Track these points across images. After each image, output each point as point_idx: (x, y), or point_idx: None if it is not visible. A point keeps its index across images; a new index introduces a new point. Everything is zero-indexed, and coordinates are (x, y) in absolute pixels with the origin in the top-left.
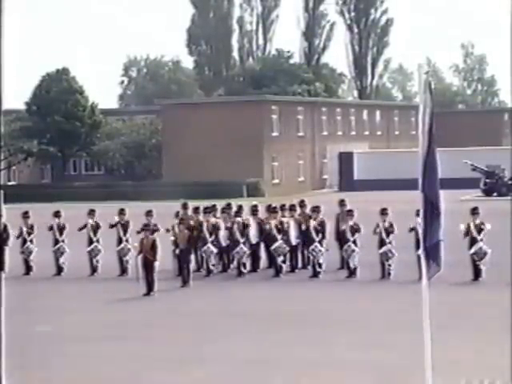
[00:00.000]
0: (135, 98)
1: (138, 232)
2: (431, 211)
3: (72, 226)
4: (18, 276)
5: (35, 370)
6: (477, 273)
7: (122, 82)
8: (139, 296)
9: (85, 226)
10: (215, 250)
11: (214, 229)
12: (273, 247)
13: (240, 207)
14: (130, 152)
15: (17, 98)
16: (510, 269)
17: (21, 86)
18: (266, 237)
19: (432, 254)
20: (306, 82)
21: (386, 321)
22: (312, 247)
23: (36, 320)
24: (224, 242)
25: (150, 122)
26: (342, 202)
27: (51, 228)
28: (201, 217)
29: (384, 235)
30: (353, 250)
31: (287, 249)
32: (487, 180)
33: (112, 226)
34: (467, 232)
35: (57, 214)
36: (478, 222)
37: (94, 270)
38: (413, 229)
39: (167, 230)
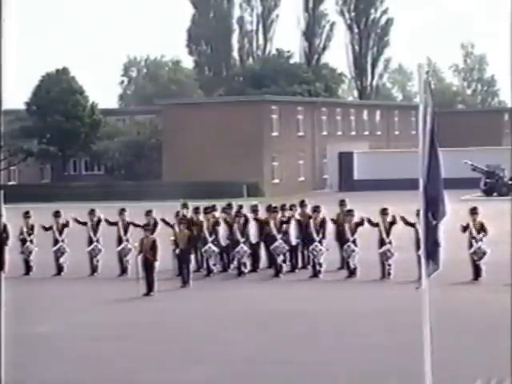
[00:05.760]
0: (135, 98)
1: (110, 224)
2: (432, 211)
3: (72, 226)
4: (18, 276)
5: (35, 370)
6: (477, 272)
7: (122, 82)
8: (139, 296)
9: (85, 223)
10: (216, 250)
11: (214, 229)
12: (272, 247)
13: (240, 207)
14: (130, 152)
15: (17, 98)
16: (509, 269)
17: (21, 86)
18: (266, 237)
19: (431, 253)
20: (306, 82)
21: (385, 321)
22: (312, 247)
23: (36, 320)
24: (224, 242)
25: (150, 121)
26: (342, 202)
27: (47, 229)
28: (201, 217)
29: (384, 235)
30: (353, 250)
31: (286, 248)
32: (487, 180)
33: (111, 224)
34: (465, 228)
35: (56, 214)
36: (477, 221)
37: (93, 269)
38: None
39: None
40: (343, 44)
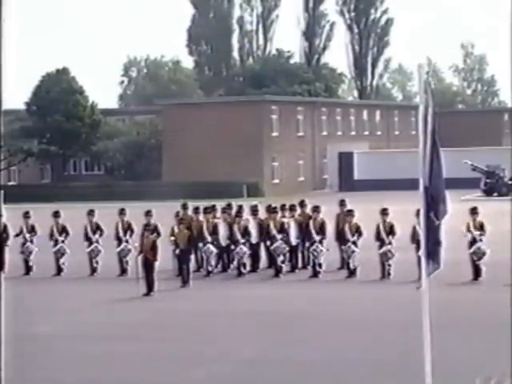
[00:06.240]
0: (135, 98)
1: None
2: (434, 211)
3: (72, 226)
4: (18, 276)
5: (35, 371)
6: (476, 272)
7: (122, 82)
8: (139, 296)
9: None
10: (215, 250)
11: (214, 229)
12: (273, 247)
13: (240, 207)
14: (130, 152)
15: (17, 98)
16: (509, 269)
17: (21, 86)
18: (266, 237)
19: (432, 252)
20: (306, 82)
21: (385, 321)
22: (312, 247)
23: (36, 320)
24: (224, 242)
25: (150, 122)
26: (342, 202)
27: (52, 235)
28: (201, 217)
29: (384, 235)
30: (352, 251)
31: (287, 249)
32: (487, 180)
33: (118, 238)
34: (468, 231)
35: (56, 215)
36: (477, 221)
37: (93, 270)
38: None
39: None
40: (343, 44)
